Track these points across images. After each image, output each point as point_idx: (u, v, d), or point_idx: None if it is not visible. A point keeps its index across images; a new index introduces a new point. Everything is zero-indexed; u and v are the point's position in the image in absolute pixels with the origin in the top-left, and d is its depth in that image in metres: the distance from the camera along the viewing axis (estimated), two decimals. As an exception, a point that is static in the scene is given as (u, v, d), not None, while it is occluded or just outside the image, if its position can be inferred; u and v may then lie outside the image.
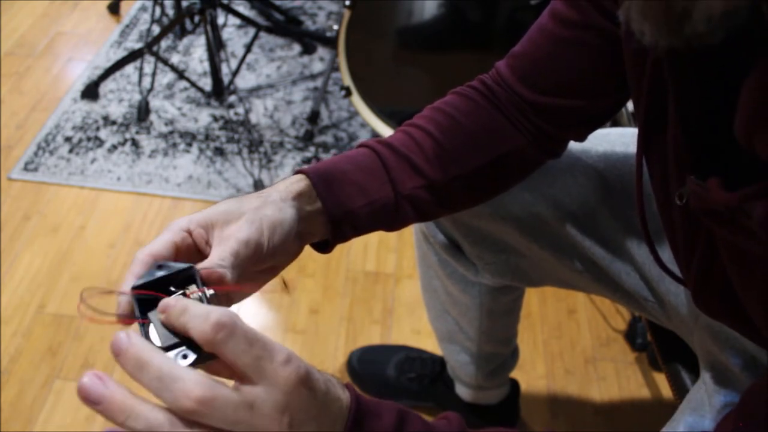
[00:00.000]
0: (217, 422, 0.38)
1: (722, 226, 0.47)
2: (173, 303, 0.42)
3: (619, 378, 1.34)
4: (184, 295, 0.47)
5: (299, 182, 0.61)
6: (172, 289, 0.48)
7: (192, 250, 0.54)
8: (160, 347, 0.43)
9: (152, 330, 0.45)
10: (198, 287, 0.47)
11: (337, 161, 0.65)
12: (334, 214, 0.62)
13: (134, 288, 0.47)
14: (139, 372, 0.39)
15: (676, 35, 0.37)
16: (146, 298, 0.47)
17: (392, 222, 0.67)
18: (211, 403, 0.38)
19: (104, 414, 0.38)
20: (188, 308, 0.41)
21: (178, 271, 0.48)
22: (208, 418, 0.38)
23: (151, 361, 0.39)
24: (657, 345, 0.87)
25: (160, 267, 0.48)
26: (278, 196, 0.59)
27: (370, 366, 1.30)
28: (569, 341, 1.40)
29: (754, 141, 0.40)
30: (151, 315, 0.45)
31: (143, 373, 0.38)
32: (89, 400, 0.38)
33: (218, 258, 0.51)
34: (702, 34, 0.35)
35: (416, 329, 1.41)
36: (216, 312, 0.40)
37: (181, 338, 0.42)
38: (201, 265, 0.50)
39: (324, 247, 0.65)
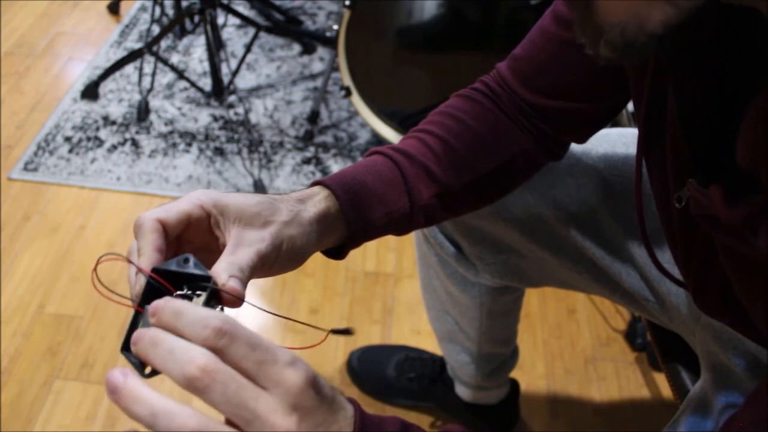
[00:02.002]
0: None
1: (722, 233, 0.47)
2: (163, 305, 0.40)
3: (619, 378, 1.34)
4: (189, 299, 0.46)
5: (326, 200, 0.59)
6: (185, 288, 0.46)
7: (202, 228, 0.52)
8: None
9: (141, 324, 0.43)
10: (209, 303, 0.45)
11: (358, 173, 0.63)
12: (355, 229, 0.61)
13: (154, 271, 0.46)
14: (132, 405, 0.38)
15: (599, 52, 0.40)
16: (154, 285, 0.45)
17: (403, 230, 0.67)
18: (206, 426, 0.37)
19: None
20: (182, 312, 0.40)
21: (201, 276, 0.46)
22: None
23: (144, 397, 0.38)
24: (657, 345, 0.87)
25: (186, 260, 0.46)
26: (308, 216, 0.57)
27: (370, 366, 1.30)
28: (569, 341, 1.40)
29: (759, 169, 0.40)
30: (148, 308, 0.43)
31: (136, 407, 0.38)
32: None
33: (238, 269, 0.49)
34: (613, 57, 0.40)
35: (416, 329, 1.41)
36: (215, 317, 0.39)
37: None
38: (218, 275, 0.47)
39: (335, 254, 0.64)
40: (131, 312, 0.46)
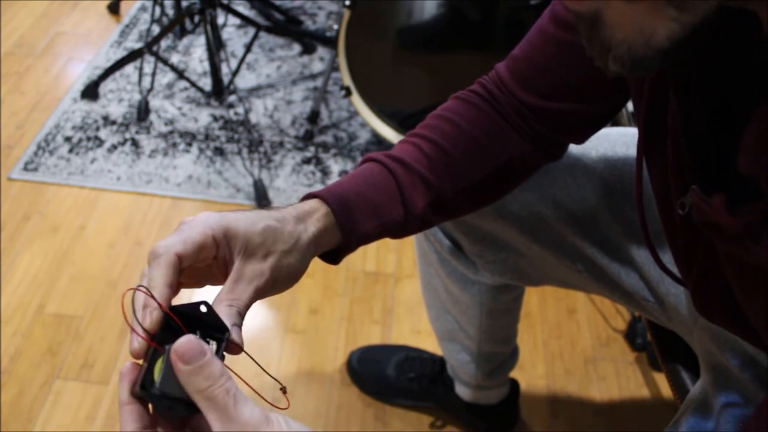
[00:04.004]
0: None
1: (723, 240, 0.48)
2: (202, 363, 0.42)
3: (619, 378, 1.34)
4: None
5: (325, 217, 0.60)
6: (198, 333, 0.47)
7: (210, 256, 0.54)
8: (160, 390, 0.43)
9: (159, 362, 0.44)
10: (219, 352, 0.48)
11: (354, 184, 0.64)
12: (349, 240, 0.62)
13: (171, 309, 0.47)
14: None
15: (608, 66, 0.41)
16: (170, 324, 0.46)
17: (398, 236, 0.68)
18: None
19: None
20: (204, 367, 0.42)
21: (216, 324, 0.48)
22: None
23: None
24: (657, 345, 0.87)
25: (202, 305, 0.47)
26: (307, 240, 0.58)
27: (370, 366, 1.30)
28: (569, 341, 1.40)
29: (761, 176, 0.40)
30: (169, 348, 0.45)
31: None
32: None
33: (237, 315, 0.51)
34: (621, 71, 0.40)
35: (416, 329, 1.41)
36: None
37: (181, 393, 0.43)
38: (222, 314, 0.50)
39: (329, 259, 0.65)
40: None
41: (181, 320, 0.46)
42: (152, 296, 0.47)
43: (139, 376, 0.44)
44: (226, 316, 0.50)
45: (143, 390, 0.44)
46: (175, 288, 0.49)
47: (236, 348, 0.49)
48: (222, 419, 0.40)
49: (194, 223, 0.52)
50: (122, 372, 0.45)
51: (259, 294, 0.54)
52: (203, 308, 0.47)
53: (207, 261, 0.54)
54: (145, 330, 0.46)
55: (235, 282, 0.53)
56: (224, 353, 0.49)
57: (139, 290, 0.47)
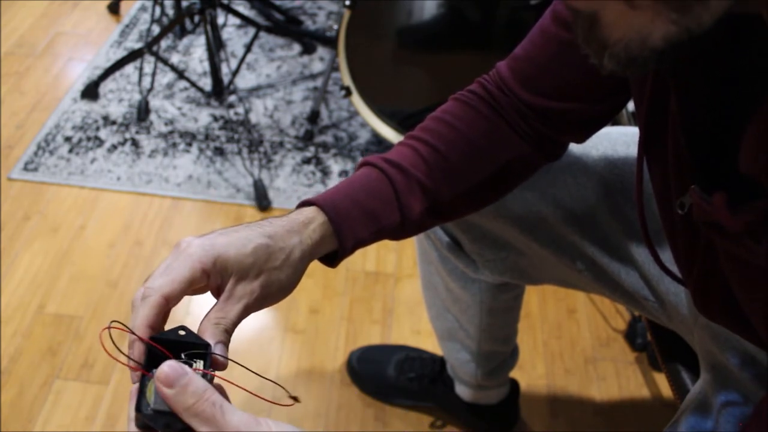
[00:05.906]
0: None
1: (724, 239, 0.48)
2: (185, 383, 0.44)
3: (619, 378, 1.34)
4: (189, 366, 0.49)
5: (322, 227, 0.61)
6: (182, 355, 0.49)
7: (201, 285, 0.54)
8: (153, 409, 0.45)
9: (150, 386, 0.46)
10: (206, 368, 0.49)
11: (351, 190, 0.64)
12: (345, 246, 0.63)
13: (152, 339, 0.49)
14: None
15: (604, 64, 0.41)
16: (155, 352, 0.48)
17: (395, 238, 0.68)
18: None
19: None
20: (188, 386, 0.43)
21: (196, 344, 0.50)
22: None
23: None
24: (657, 345, 0.87)
25: (182, 329, 0.50)
26: (300, 254, 0.58)
27: (370, 366, 1.30)
28: (569, 341, 1.40)
29: (762, 175, 0.40)
30: (155, 372, 0.46)
31: None
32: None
33: (224, 332, 0.52)
34: (616, 69, 0.40)
35: (416, 329, 1.41)
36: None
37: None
38: (207, 338, 0.51)
39: (325, 262, 0.65)
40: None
41: (166, 346, 0.48)
42: (131, 331, 0.49)
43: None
44: (212, 334, 0.51)
45: (138, 412, 0.45)
46: (157, 327, 0.51)
47: (221, 364, 0.51)
48: (213, 430, 0.42)
49: (184, 256, 0.53)
50: (131, 392, 0.47)
51: (249, 310, 0.55)
52: (182, 332, 0.50)
53: (199, 287, 0.55)
54: (130, 361, 0.49)
55: (224, 301, 0.54)
56: (213, 368, 0.50)
57: (114, 327, 0.48)
